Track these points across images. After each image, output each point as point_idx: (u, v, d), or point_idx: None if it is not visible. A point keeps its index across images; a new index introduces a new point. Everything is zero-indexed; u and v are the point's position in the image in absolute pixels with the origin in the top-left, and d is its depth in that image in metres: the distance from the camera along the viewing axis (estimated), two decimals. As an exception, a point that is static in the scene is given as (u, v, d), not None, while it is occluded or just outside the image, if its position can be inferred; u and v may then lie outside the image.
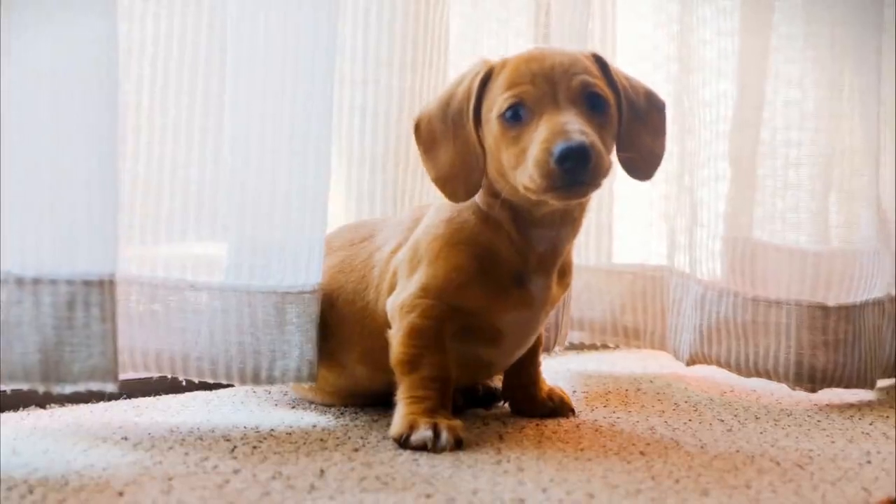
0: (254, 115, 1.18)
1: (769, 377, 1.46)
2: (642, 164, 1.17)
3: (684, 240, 1.55)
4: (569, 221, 1.16)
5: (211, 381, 1.20)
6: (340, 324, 1.22)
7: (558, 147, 1.02)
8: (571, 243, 1.19)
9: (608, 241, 1.66)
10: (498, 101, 1.09)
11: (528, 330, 1.19)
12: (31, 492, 0.90)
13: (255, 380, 1.19)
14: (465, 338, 1.17)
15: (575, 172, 1.02)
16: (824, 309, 1.44)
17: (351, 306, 1.22)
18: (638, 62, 1.66)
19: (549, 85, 1.08)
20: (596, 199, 1.63)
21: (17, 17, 0.99)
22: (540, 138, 1.04)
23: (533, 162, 1.04)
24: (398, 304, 1.15)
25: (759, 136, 1.50)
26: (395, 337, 1.15)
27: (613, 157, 1.14)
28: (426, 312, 1.14)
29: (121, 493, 0.90)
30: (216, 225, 1.21)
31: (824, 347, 1.44)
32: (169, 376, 1.20)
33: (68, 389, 1.02)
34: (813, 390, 1.45)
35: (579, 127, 1.04)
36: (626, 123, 1.14)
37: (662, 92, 1.60)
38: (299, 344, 1.19)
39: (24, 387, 1.02)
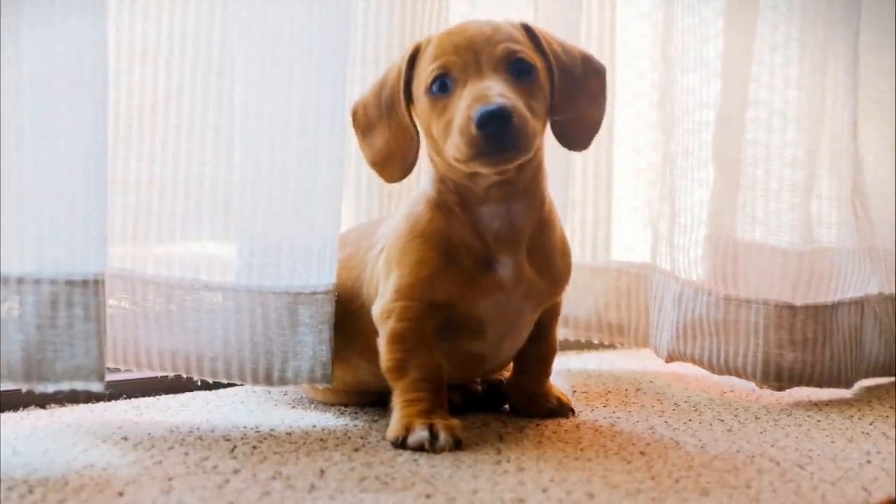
0: (264, 113, 1.18)
1: (739, 375, 1.46)
2: (577, 131, 1.18)
3: (666, 237, 1.55)
4: (517, 195, 1.15)
5: (225, 381, 1.21)
6: (344, 319, 1.22)
7: (477, 112, 1.03)
8: (536, 222, 1.17)
9: (592, 238, 1.66)
10: (423, 75, 1.11)
11: (509, 317, 1.18)
12: (31, 492, 0.90)
13: (268, 381, 1.20)
14: (449, 333, 1.17)
15: (496, 137, 1.03)
16: (791, 308, 1.44)
17: (351, 303, 1.23)
18: (635, 61, 1.66)
19: (472, 54, 1.09)
20: (581, 195, 1.65)
21: (6, 16, 0.99)
22: (463, 105, 1.06)
23: (457, 130, 1.06)
24: (378, 310, 1.16)
25: (742, 136, 1.50)
26: (381, 344, 1.15)
27: (548, 130, 1.15)
28: (403, 315, 1.14)
29: (121, 494, 0.90)
30: (229, 224, 1.22)
31: (791, 346, 1.44)
32: (180, 375, 1.21)
33: (51, 389, 1.03)
34: (780, 389, 1.45)
35: (500, 91, 1.05)
36: (559, 89, 1.14)
37: (658, 90, 1.61)
38: (312, 345, 1.19)
39: (7, 385, 1.03)
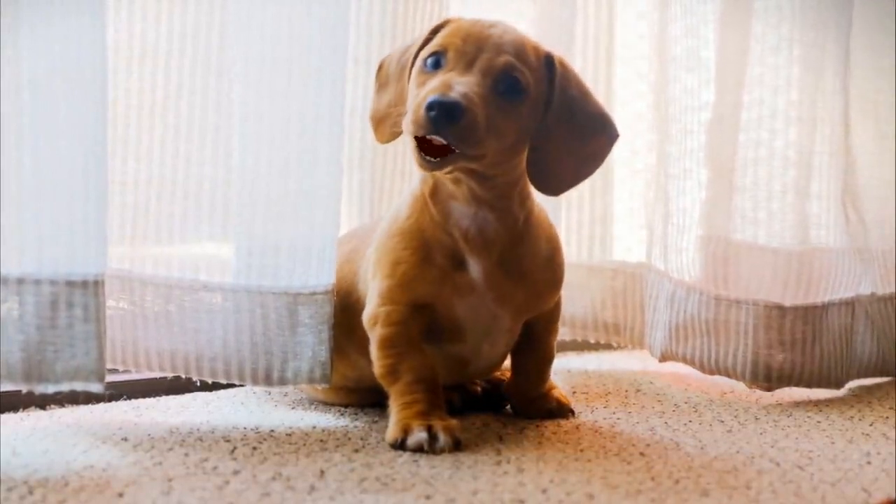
0: (263, 114, 1.18)
1: (728, 375, 1.47)
2: (555, 176, 1.15)
3: (660, 238, 1.55)
4: (485, 204, 1.13)
5: (224, 381, 1.21)
6: (343, 313, 1.22)
7: (432, 96, 1.03)
8: (509, 237, 1.15)
9: (589, 238, 1.66)
10: (429, 48, 1.12)
11: (485, 321, 1.16)
12: (31, 492, 0.90)
13: (268, 381, 1.20)
14: (431, 336, 1.16)
15: (438, 125, 1.03)
16: (781, 309, 1.44)
17: (349, 297, 1.23)
18: (634, 61, 1.66)
19: (475, 49, 1.09)
20: (578, 195, 1.65)
21: (6, 17, 0.99)
22: (430, 86, 1.06)
23: (412, 105, 1.06)
24: (366, 317, 1.16)
25: (736, 137, 1.50)
26: (372, 351, 1.15)
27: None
28: (389, 319, 1.14)
29: (121, 494, 0.90)
30: (228, 224, 1.21)
31: (781, 347, 1.44)
32: (180, 376, 1.21)
33: (51, 389, 1.03)
34: (769, 389, 1.46)
35: (466, 90, 1.04)
36: (550, 128, 1.12)
37: (654, 90, 1.61)
38: (311, 345, 1.19)
39: (7, 386, 1.03)
